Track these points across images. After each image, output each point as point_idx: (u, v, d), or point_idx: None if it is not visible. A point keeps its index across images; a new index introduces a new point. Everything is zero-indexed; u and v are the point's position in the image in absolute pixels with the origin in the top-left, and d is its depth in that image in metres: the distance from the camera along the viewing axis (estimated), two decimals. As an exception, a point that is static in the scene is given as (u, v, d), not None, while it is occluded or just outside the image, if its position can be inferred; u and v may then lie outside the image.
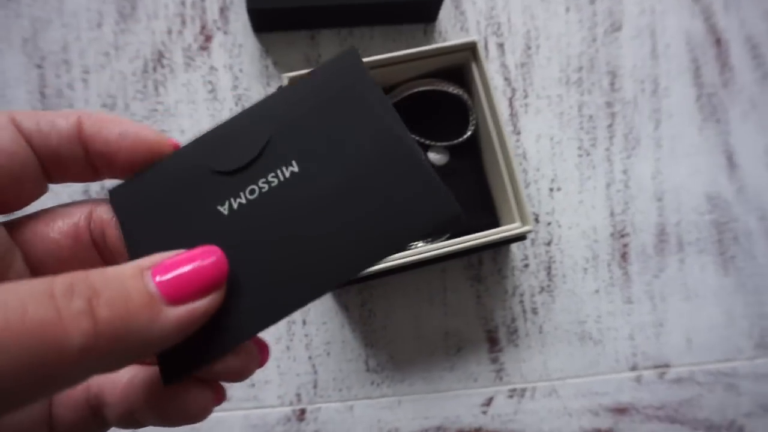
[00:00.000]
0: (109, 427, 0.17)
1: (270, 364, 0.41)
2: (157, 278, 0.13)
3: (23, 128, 0.16)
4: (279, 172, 0.17)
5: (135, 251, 0.17)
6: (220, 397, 0.17)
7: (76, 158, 0.16)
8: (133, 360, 0.14)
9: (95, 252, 0.18)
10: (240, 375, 0.16)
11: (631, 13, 0.48)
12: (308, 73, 0.18)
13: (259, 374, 0.41)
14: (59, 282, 0.12)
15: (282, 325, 0.42)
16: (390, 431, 0.41)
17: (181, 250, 0.15)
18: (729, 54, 0.48)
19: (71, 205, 0.18)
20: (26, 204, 0.17)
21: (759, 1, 0.49)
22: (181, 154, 0.18)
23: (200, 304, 0.14)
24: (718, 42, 0.48)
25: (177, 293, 0.13)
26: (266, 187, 0.17)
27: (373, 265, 0.17)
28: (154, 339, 0.13)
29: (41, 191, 0.17)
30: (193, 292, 0.14)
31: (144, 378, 0.16)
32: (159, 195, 0.17)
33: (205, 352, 0.15)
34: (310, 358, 0.42)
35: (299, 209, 0.16)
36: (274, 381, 0.41)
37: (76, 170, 0.17)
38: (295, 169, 0.17)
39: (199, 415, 0.16)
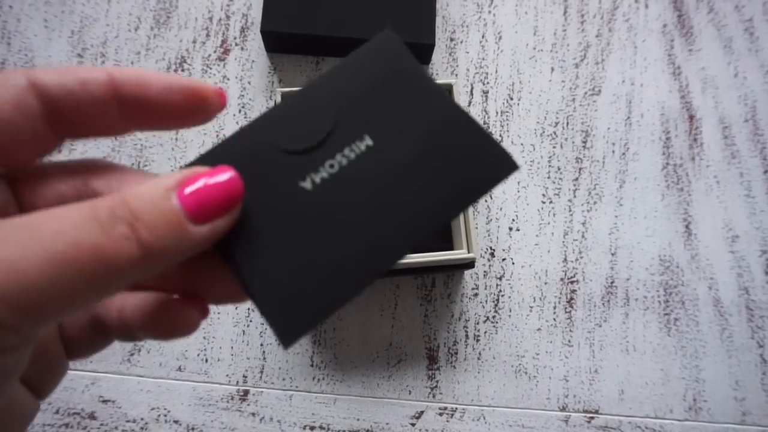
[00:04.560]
0: (111, 341, 0.20)
1: (225, 344, 0.45)
2: (185, 190, 0.15)
3: (47, 86, 0.16)
4: (354, 146, 0.18)
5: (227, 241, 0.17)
6: (205, 314, 0.19)
7: (106, 115, 0.17)
8: (163, 269, 0.15)
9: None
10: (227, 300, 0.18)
11: (611, 80, 0.52)
12: (349, 56, 0.19)
13: (213, 352, 0.45)
14: (101, 206, 0.14)
15: (241, 311, 0.46)
16: (322, 426, 0.44)
17: (202, 167, 0.16)
18: (701, 131, 0.51)
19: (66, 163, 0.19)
20: (32, 160, 0.18)
21: (735, 88, 0.52)
22: (244, 134, 0.18)
23: (219, 223, 0.16)
24: (692, 118, 0.52)
25: (199, 213, 0.15)
26: (345, 160, 0.18)
27: (451, 219, 0.18)
28: (183, 251, 0.15)
29: (48, 148, 0.18)
30: (213, 212, 0.16)
31: (138, 303, 0.19)
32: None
33: (315, 313, 0.16)
34: (262, 345, 0.45)
35: (380, 178, 0.18)
36: (225, 360, 0.45)
37: (103, 125, 0.17)
38: (370, 142, 0.18)
39: (189, 329, 0.18)
